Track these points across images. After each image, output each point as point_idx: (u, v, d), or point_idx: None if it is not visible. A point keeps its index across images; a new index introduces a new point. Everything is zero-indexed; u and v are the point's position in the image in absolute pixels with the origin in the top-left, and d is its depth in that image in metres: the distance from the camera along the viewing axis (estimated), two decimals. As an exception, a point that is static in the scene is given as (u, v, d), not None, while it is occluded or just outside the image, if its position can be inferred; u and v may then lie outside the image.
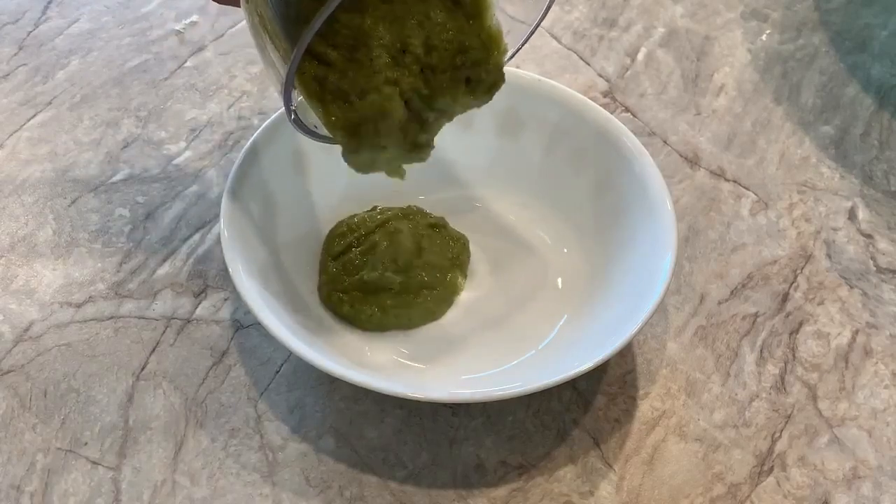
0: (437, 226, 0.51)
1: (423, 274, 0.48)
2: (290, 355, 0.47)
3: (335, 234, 0.50)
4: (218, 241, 0.51)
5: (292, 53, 0.35)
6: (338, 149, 0.52)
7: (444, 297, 0.49)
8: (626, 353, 0.48)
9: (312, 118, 0.41)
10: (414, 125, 0.42)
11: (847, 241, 0.54)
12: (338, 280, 0.48)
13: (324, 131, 0.41)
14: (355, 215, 0.51)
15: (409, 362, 0.47)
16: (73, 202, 0.54)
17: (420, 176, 0.53)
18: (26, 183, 0.55)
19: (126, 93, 0.60)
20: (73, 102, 0.59)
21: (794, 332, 0.50)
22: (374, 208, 0.51)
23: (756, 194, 0.56)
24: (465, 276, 0.50)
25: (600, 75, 0.63)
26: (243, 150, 0.47)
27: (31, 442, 0.44)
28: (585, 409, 0.46)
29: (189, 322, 0.49)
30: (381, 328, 0.48)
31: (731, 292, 0.51)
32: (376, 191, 0.51)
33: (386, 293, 0.48)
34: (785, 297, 0.51)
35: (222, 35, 0.64)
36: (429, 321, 0.49)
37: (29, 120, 0.58)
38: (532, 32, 0.44)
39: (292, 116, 0.40)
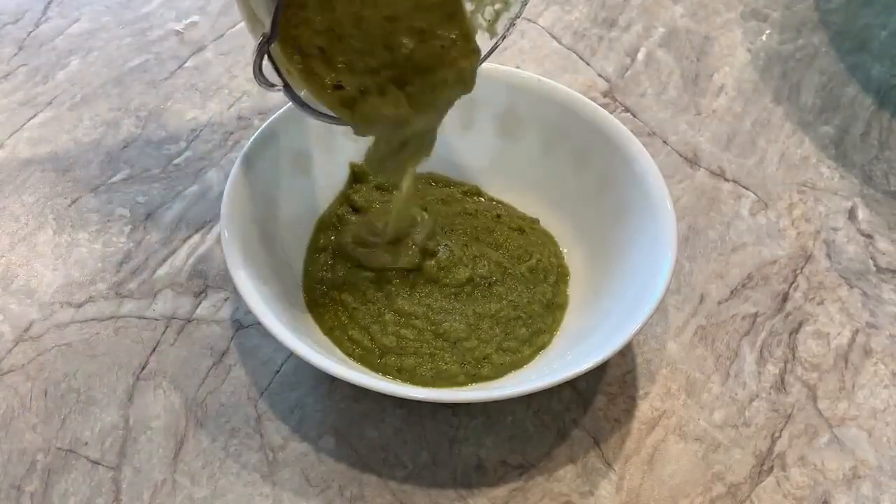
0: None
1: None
2: (290, 355, 0.47)
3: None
4: (218, 241, 0.51)
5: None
6: (340, 148, 0.52)
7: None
8: (626, 353, 0.48)
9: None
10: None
11: (847, 241, 0.54)
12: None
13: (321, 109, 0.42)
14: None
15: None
16: (73, 202, 0.54)
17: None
18: (26, 183, 0.55)
19: (126, 93, 0.60)
20: (73, 102, 0.59)
21: (794, 331, 0.50)
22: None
23: (756, 194, 0.56)
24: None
25: (600, 75, 0.63)
26: (243, 150, 0.47)
27: (31, 442, 0.44)
28: (585, 409, 0.46)
29: (189, 322, 0.49)
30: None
31: (731, 292, 0.51)
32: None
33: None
34: (785, 297, 0.51)
35: (222, 35, 0.64)
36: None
37: (29, 120, 0.58)
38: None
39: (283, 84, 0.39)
